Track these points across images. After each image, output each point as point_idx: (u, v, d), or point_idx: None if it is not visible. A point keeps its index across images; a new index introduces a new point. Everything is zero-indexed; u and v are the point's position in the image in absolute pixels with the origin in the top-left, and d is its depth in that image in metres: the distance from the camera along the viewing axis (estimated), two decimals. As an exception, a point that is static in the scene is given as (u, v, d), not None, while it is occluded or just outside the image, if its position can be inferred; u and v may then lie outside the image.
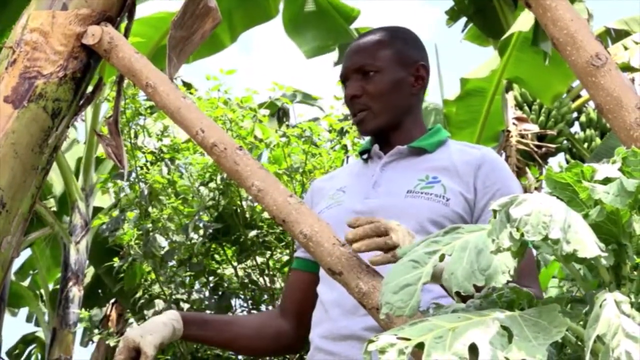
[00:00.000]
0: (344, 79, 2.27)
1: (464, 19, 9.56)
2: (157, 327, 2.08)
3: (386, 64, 2.22)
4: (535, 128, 8.51)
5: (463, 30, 9.64)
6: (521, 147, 8.29)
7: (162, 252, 5.60)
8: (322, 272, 2.22)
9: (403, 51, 2.25)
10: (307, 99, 10.44)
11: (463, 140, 8.28)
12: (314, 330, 2.19)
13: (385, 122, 2.22)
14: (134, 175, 5.80)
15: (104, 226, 6.11)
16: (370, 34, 2.29)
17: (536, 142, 8.43)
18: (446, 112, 8.38)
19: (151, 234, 5.60)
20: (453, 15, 9.35)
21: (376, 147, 2.27)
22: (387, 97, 2.21)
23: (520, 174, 8.00)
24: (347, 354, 2.07)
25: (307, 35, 8.70)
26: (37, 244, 10.70)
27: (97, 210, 9.23)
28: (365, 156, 2.30)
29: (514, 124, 8.38)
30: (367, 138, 2.35)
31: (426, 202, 2.11)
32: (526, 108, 9.21)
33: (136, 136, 5.92)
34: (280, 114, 10.04)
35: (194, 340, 2.25)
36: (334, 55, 8.76)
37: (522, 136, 8.35)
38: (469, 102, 8.24)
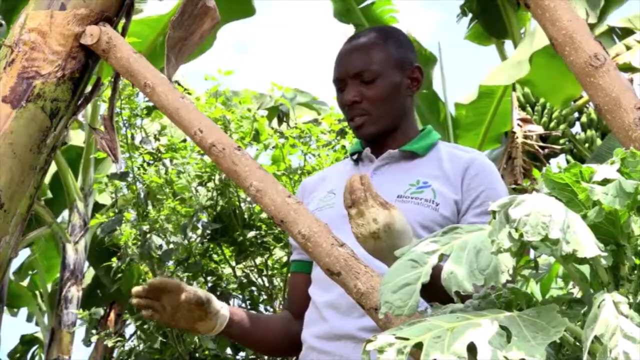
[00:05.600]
0: (340, 83, 2.26)
1: (465, 19, 9.59)
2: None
3: (384, 69, 2.22)
4: (539, 129, 8.50)
5: (468, 27, 9.66)
6: (526, 148, 8.29)
7: (160, 253, 5.59)
8: (314, 274, 2.23)
9: (399, 54, 2.26)
10: (306, 97, 10.44)
11: (468, 142, 8.26)
12: (307, 330, 2.19)
13: (384, 127, 2.23)
14: (131, 175, 5.79)
15: (101, 227, 6.10)
16: (363, 37, 2.29)
17: (540, 143, 8.42)
18: (457, 115, 8.40)
19: (148, 235, 5.60)
20: (465, 12, 9.39)
21: (368, 150, 2.27)
22: (386, 102, 2.22)
23: (526, 175, 8.00)
24: (340, 353, 2.08)
25: None
26: (36, 244, 10.69)
27: (96, 210, 9.24)
28: (355, 157, 2.30)
29: (518, 125, 8.38)
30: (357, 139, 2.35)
31: (416, 207, 2.12)
32: (528, 109, 9.21)
33: (133, 137, 5.92)
34: (280, 115, 10.04)
35: (231, 337, 2.25)
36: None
37: (527, 137, 8.34)
38: (477, 105, 8.26)
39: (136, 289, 2.15)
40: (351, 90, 2.22)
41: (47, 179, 9.59)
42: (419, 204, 2.12)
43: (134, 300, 2.16)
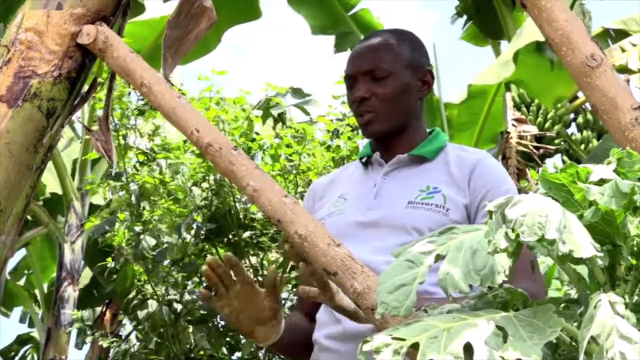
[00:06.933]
0: (351, 80, 2.27)
1: (462, 20, 9.61)
2: None
3: (396, 68, 2.23)
4: (534, 129, 8.50)
5: (464, 27, 9.68)
6: (520, 148, 8.30)
7: (154, 253, 5.58)
8: None
9: (411, 56, 2.27)
10: (302, 96, 10.42)
11: (462, 142, 8.31)
12: (319, 331, 2.19)
13: (392, 126, 2.24)
14: (124, 176, 5.78)
15: (94, 228, 6.09)
16: (377, 36, 2.30)
17: (535, 144, 8.43)
18: (448, 115, 8.39)
19: (142, 235, 5.59)
20: (460, 13, 9.40)
21: (377, 154, 2.27)
22: (395, 101, 2.22)
23: (520, 175, 8.01)
24: (354, 353, 2.07)
25: (310, 12, 8.63)
26: (32, 243, 10.67)
27: (93, 210, 9.23)
28: (364, 160, 2.30)
29: (513, 125, 8.39)
30: (367, 142, 2.35)
31: (426, 213, 2.13)
32: (524, 109, 9.21)
33: (125, 137, 5.90)
34: (275, 116, 10.01)
35: (276, 347, 2.16)
36: (332, 42, 8.70)
37: (521, 137, 8.35)
38: (470, 105, 8.26)
39: (211, 259, 1.99)
40: (361, 87, 2.22)
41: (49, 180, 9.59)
42: (430, 209, 2.13)
43: (204, 267, 2.00)
